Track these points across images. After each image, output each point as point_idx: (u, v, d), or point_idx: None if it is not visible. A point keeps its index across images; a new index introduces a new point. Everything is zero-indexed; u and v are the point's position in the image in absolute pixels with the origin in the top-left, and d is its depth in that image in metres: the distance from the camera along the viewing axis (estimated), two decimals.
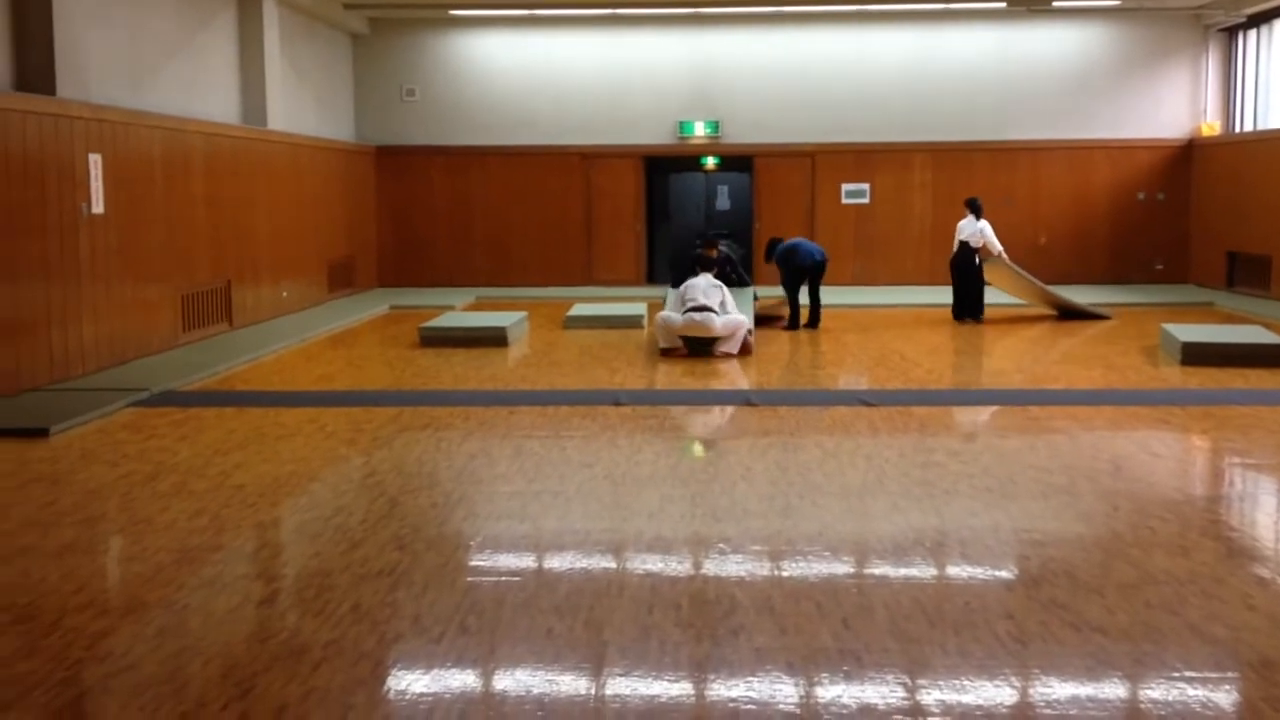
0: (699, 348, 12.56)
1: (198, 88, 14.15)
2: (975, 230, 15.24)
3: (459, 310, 16.71)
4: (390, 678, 4.37)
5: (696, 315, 12.49)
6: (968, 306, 15.31)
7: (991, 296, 15.71)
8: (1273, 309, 15.73)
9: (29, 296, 10.01)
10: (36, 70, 10.60)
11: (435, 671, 4.39)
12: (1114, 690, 4.22)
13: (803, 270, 14.55)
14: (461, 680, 4.34)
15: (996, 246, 15.18)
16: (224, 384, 11.01)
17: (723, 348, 12.51)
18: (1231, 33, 19.41)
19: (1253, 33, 18.88)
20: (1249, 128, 19.01)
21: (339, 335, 14.60)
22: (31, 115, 10.09)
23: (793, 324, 14.64)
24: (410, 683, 4.31)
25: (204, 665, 4.44)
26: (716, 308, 12.60)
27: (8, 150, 9.76)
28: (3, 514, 6.59)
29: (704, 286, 12.93)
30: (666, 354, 12.57)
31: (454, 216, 20.20)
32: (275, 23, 15.87)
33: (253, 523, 6.47)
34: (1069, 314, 15.51)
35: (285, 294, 15.92)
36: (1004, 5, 18.64)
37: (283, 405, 9.80)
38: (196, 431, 8.76)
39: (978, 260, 15.15)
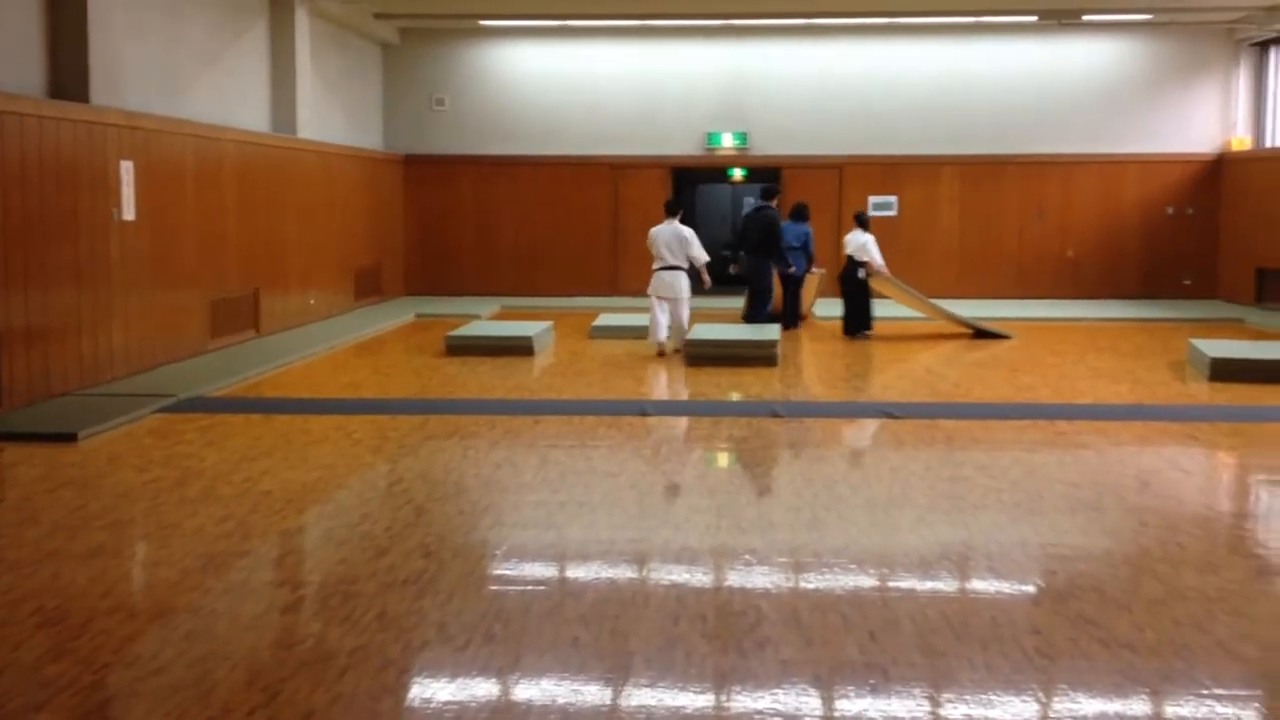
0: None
1: (230, 97, 14.25)
2: (859, 244, 15.12)
3: (485, 319, 16.76)
4: (415, 685, 4.38)
5: (663, 275, 13.26)
6: (856, 321, 15.12)
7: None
8: None
9: (59, 302, 10.09)
10: (71, 77, 10.69)
11: (460, 680, 4.40)
12: (1142, 707, 4.19)
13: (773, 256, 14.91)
14: (486, 689, 4.34)
15: (878, 261, 15.04)
16: (251, 390, 11.07)
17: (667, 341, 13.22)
18: (1263, 47, 19.29)
19: None
20: (1279, 143, 18.90)
21: (365, 343, 14.66)
22: (65, 122, 10.19)
23: (788, 321, 15.14)
24: (435, 690, 4.32)
25: (230, 670, 4.46)
26: (681, 263, 13.25)
27: (41, 156, 9.85)
28: (32, 518, 6.64)
29: (666, 238, 13.32)
30: (661, 355, 13.23)
31: (481, 226, 20.26)
32: (306, 33, 15.98)
33: (279, 529, 6.50)
34: (981, 333, 15.17)
35: (313, 301, 16.00)
36: (1035, 19, 18.59)
37: (309, 412, 9.84)
38: (224, 438, 8.81)
39: (861, 274, 15.03)
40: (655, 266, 13.40)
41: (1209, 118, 19.63)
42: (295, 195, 15.45)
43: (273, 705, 4.14)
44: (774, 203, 15.46)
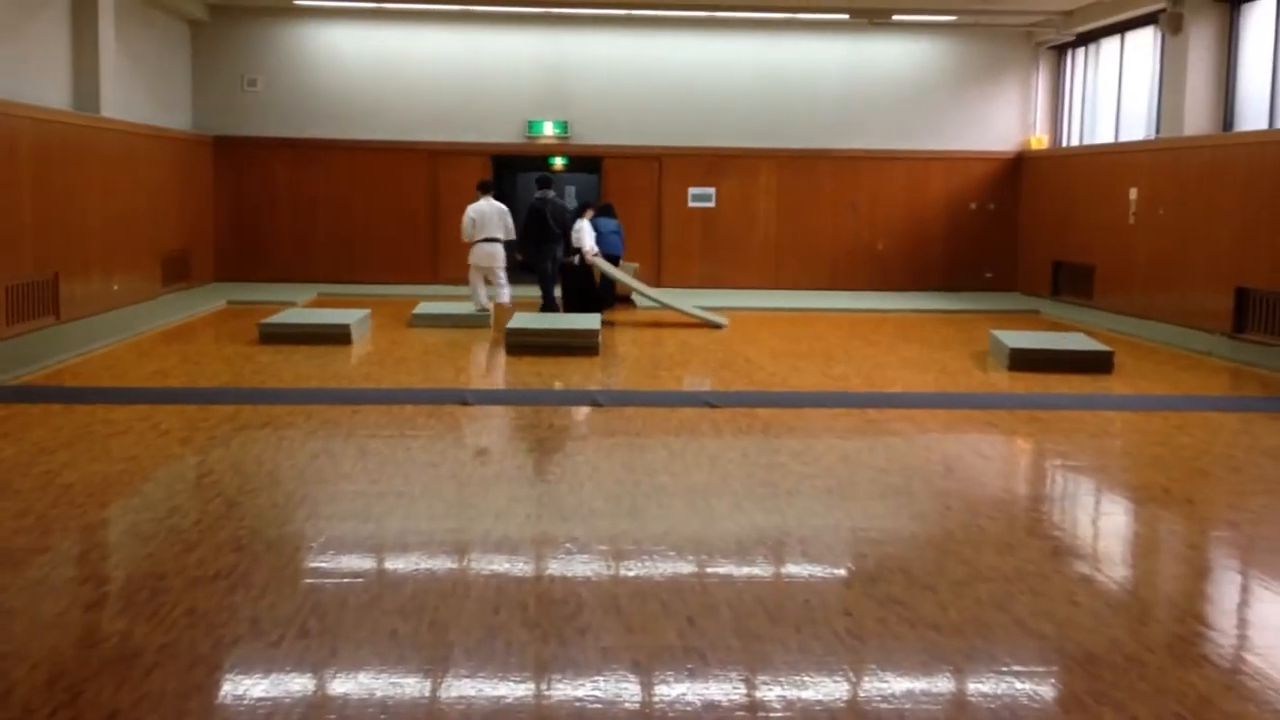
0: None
1: (27, 72, 13.54)
2: (578, 229, 15.60)
3: (300, 307, 16.38)
4: (227, 682, 4.26)
5: (485, 247, 14.78)
6: (582, 303, 15.52)
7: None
8: (1095, 317, 16.45)
9: None
10: None
11: (274, 676, 4.30)
12: (946, 684, 4.37)
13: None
14: (301, 684, 4.26)
15: (586, 245, 15.51)
16: (50, 379, 10.58)
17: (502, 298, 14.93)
18: (1061, 51, 20.25)
19: (1080, 51, 19.73)
20: (1075, 142, 19.86)
21: (174, 330, 14.16)
22: None
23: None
24: (248, 687, 4.21)
25: (30, 670, 4.27)
26: (501, 235, 14.85)
27: None
28: None
29: (490, 213, 14.94)
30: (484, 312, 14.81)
31: (296, 210, 19.77)
32: (110, 8, 15.30)
33: (81, 524, 6.24)
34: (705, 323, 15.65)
35: (116, 287, 15.36)
36: (847, 18, 19.09)
37: (113, 402, 9.46)
38: (20, 429, 8.40)
39: (578, 260, 15.49)
40: (478, 239, 14.78)
41: (1010, 117, 20.49)
42: (97, 176, 14.79)
43: (75, 705, 3.98)
44: (550, 192, 15.77)
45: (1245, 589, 5.70)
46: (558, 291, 15.89)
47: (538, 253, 15.55)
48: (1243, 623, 5.23)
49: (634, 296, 16.95)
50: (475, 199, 15.29)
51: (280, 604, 5.00)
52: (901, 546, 6.07)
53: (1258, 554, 6.12)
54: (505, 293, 15.21)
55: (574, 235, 15.66)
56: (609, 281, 16.46)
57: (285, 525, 6.26)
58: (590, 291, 15.90)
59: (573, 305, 15.81)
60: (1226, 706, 4.13)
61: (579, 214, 15.99)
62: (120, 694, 4.09)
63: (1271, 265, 13.64)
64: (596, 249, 15.81)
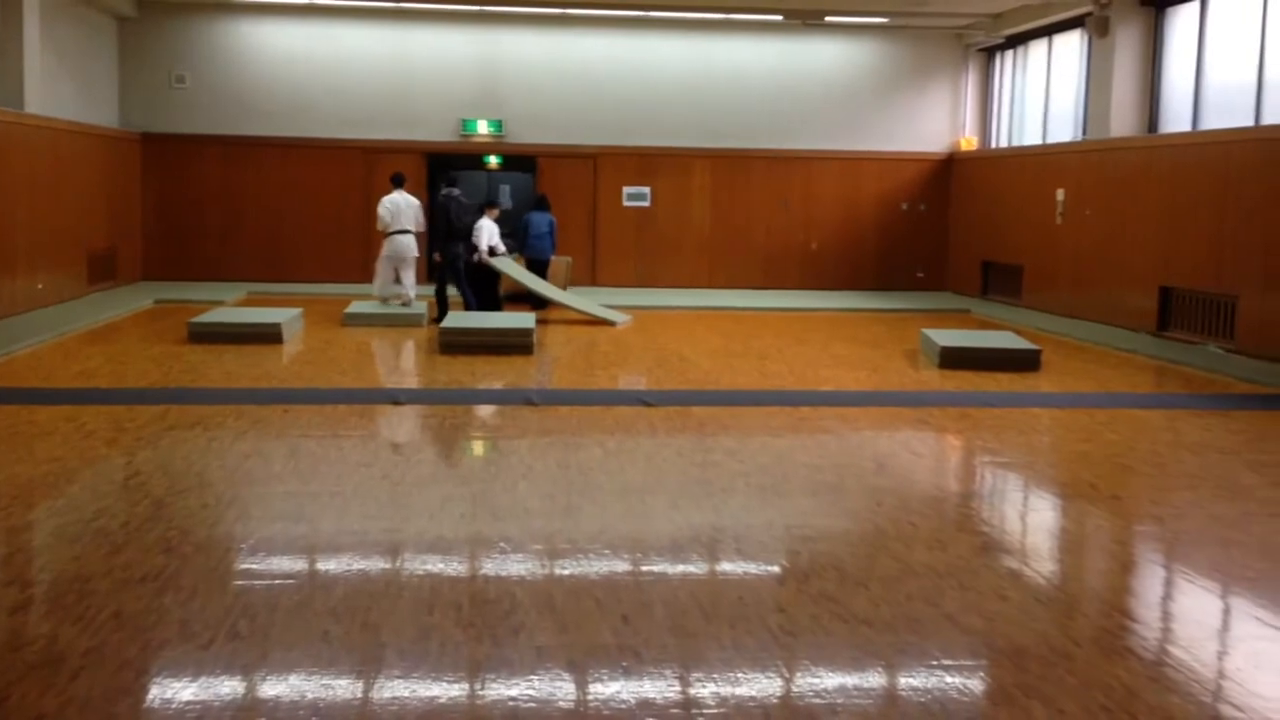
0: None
1: None
2: (477, 228, 15.61)
3: (230, 305, 16.18)
4: (155, 686, 4.20)
5: (399, 239, 15.08)
6: (482, 303, 15.48)
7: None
8: (1023, 316, 16.69)
9: None
10: None
11: (204, 679, 4.24)
12: (878, 679, 4.41)
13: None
14: (231, 687, 4.21)
15: (481, 244, 15.51)
16: None
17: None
18: (990, 53, 20.52)
19: (1009, 53, 20.01)
20: (1004, 143, 20.14)
21: (100, 330, 13.92)
22: None
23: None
24: (176, 691, 4.15)
25: None
26: (413, 228, 15.18)
27: None
28: None
29: (403, 206, 15.21)
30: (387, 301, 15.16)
31: (226, 208, 19.53)
32: (36, 3, 15.03)
33: (4, 526, 6.11)
34: (597, 320, 15.72)
35: (41, 286, 15.07)
36: (781, 19, 19.21)
37: (37, 403, 9.28)
38: None
39: (476, 258, 15.53)
40: (391, 231, 15.05)
41: (940, 119, 20.73)
42: (22, 174, 14.51)
43: (0, 710, 3.91)
44: (455, 190, 15.72)
45: (1169, 583, 5.81)
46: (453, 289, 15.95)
47: (444, 250, 15.55)
48: (1167, 616, 5.34)
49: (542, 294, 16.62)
50: (389, 192, 15.42)
51: (210, 606, 4.94)
52: (834, 543, 6.12)
53: (1181, 548, 6.25)
54: (411, 291, 15.30)
55: (474, 234, 15.60)
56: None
57: (215, 526, 6.18)
58: (491, 291, 15.72)
59: (480, 305, 15.50)
60: (1151, 699, 4.21)
61: (481, 212, 15.89)
62: (45, 699, 4.01)
63: (1195, 265, 13.92)
64: (503, 248, 15.77)
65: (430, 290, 15.96)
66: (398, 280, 15.33)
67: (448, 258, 15.37)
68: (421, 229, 15.43)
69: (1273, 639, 4.93)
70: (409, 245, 15.19)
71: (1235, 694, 4.30)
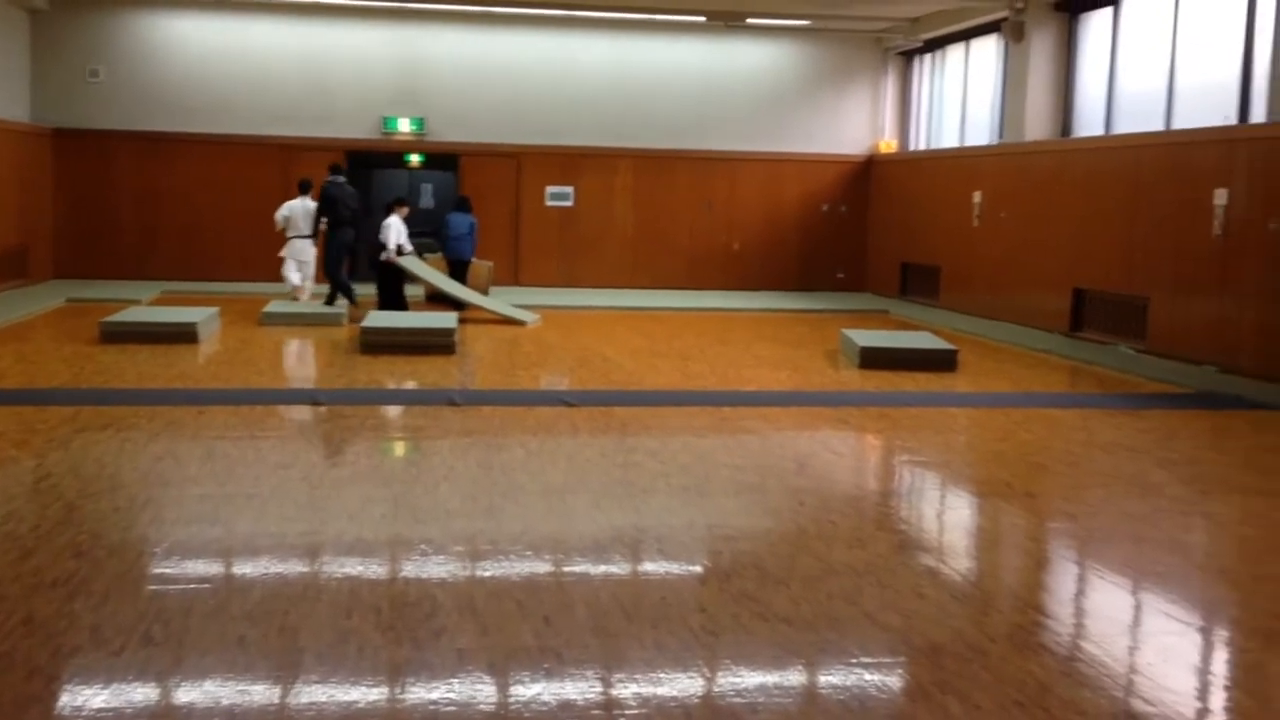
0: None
1: None
2: (384, 227, 15.62)
3: (145, 304, 15.89)
4: (65, 693, 4.10)
5: (296, 242, 15.92)
6: (387, 302, 15.46)
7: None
8: (941, 316, 16.92)
9: None
10: None
11: (116, 685, 4.16)
12: (798, 678, 4.44)
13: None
14: (145, 693, 4.13)
15: (389, 243, 15.50)
16: None
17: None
18: (909, 57, 20.78)
19: (928, 57, 20.28)
20: (922, 146, 20.40)
21: (9, 329, 13.59)
22: None
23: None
24: (88, 698, 4.06)
25: None
26: (308, 231, 15.86)
27: None
28: None
29: (301, 212, 15.87)
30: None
31: (141, 205, 19.17)
32: None
33: None
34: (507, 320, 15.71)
35: None
36: (703, 20, 19.29)
37: None
38: None
39: (384, 256, 15.55)
40: (290, 235, 15.89)
41: (860, 121, 20.95)
42: None
43: None
44: (341, 178, 15.85)
45: (1082, 579, 5.92)
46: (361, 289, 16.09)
47: (330, 239, 15.69)
48: (1079, 612, 5.44)
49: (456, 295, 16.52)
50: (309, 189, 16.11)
51: (122, 611, 4.84)
52: (755, 543, 6.15)
53: (1094, 545, 6.37)
54: (307, 289, 16.15)
55: (382, 232, 15.56)
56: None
57: (128, 530, 6.06)
58: (398, 292, 15.64)
59: (384, 304, 15.39)
60: (1063, 693, 4.28)
61: (388, 210, 15.86)
62: None
63: (1107, 267, 14.21)
64: (409, 247, 15.74)
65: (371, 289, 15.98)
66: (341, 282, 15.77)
67: (331, 246, 15.63)
68: (312, 231, 16.01)
69: (1182, 634, 5.04)
70: (303, 248, 15.97)
71: (1146, 688, 4.40)
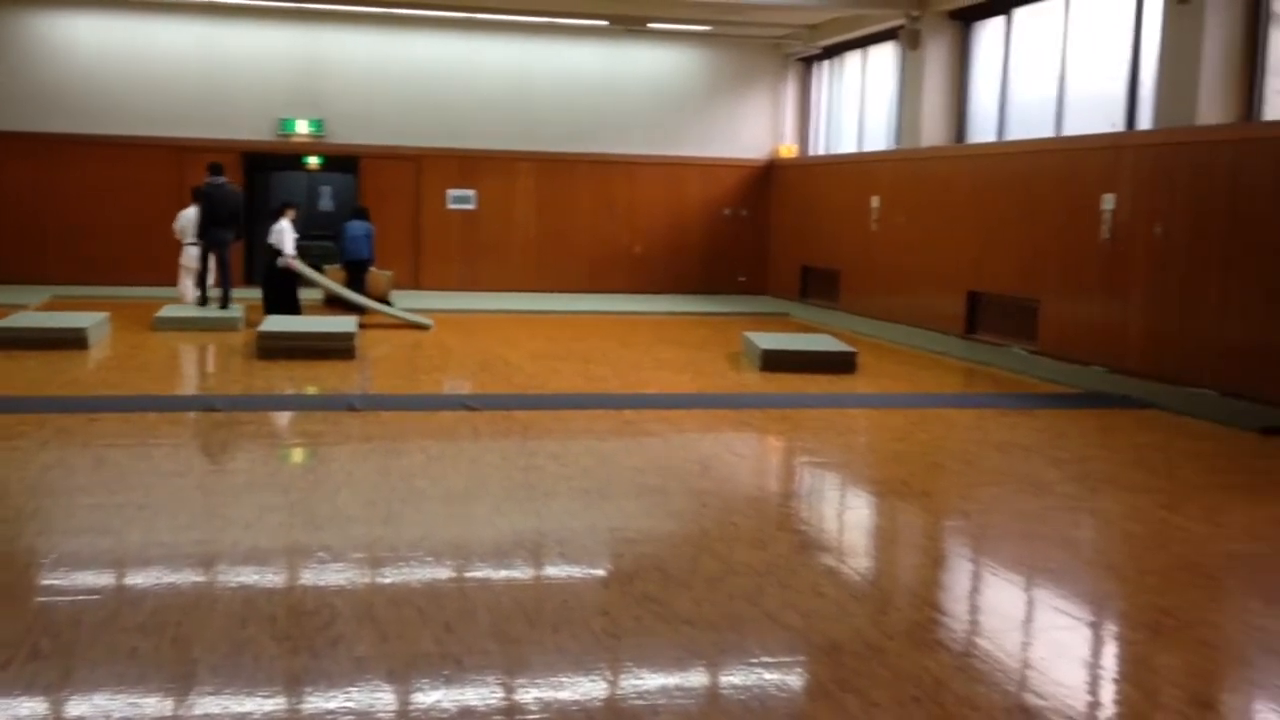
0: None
1: None
2: (278, 231, 15.53)
3: (33, 309, 15.45)
4: None
5: (191, 249, 15.74)
6: (281, 306, 15.27)
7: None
8: (840, 319, 17.15)
9: None
10: None
11: (2, 700, 4.04)
12: (700, 678, 4.47)
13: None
14: (31, 708, 4.01)
15: (286, 248, 15.42)
16: None
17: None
18: (808, 63, 21.02)
19: (827, 64, 20.54)
20: (821, 151, 20.66)
21: None
22: None
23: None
24: None
25: None
26: (194, 238, 15.72)
27: None
28: None
29: (193, 219, 15.67)
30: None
31: (29, 208, 18.66)
32: None
33: None
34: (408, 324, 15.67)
35: None
36: (605, 24, 19.32)
37: None
38: None
39: (281, 262, 15.46)
40: (185, 241, 15.79)
41: (761, 126, 21.15)
42: None
43: None
44: (221, 178, 15.51)
45: (976, 576, 6.04)
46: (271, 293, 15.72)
47: (208, 238, 15.30)
48: (974, 608, 5.55)
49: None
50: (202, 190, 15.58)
51: (8, 624, 4.70)
52: (658, 545, 6.17)
53: (988, 542, 6.50)
54: (189, 294, 16.01)
55: (273, 235, 15.38)
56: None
57: (14, 541, 5.89)
58: (291, 296, 15.44)
59: (273, 308, 15.06)
60: (959, 689, 4.36)
61: (278, 214, 15.66)
62: None
63: (1000, 270, 14.52)
64: (295, 253, 15.48)
65: (256, 294, 15.72)
66: (201, 283, 15.52)
67: (210, 246, 15.31)
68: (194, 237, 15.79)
69: (1072, 629, 5.17)
70: (191, 255, 15.87)
71: (1038, 682, 4.50)
